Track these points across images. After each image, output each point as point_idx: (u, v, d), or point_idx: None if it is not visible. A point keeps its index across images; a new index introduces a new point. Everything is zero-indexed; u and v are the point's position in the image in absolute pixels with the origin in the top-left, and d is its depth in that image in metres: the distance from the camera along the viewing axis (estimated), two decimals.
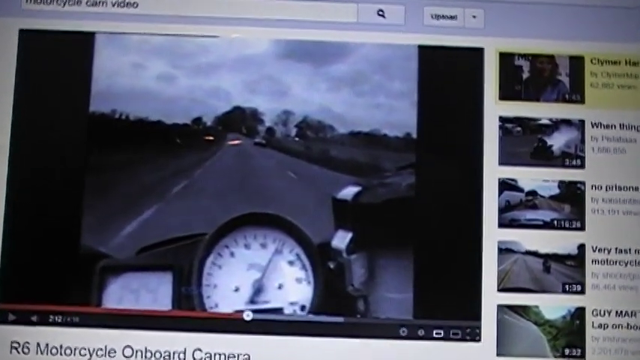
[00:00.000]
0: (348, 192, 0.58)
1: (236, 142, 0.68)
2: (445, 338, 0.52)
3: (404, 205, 0.55)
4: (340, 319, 0.54)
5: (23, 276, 0.54)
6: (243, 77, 0.64)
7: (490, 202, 0.53)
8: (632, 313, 0.52)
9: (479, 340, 0.52)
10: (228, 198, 0.63)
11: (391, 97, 0.60)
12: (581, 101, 0.55)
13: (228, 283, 0.56)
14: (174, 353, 0.53)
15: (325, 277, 0.56)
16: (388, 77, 0.59)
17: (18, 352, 0.52)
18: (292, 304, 0.56)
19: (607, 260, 0.52)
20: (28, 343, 0.52)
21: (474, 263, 0.52)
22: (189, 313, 0.55)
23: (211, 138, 0.66)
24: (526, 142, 0.55)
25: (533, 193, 0.54)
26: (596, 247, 0.52)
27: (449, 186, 0.54)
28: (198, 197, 0.63)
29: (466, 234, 0.53)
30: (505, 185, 0.54)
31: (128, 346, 0.53)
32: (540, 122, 0.55)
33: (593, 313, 0.52)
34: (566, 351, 0.51)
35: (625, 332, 0.51)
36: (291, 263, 0.58)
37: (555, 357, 0.51)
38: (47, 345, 0.52)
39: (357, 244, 0.55)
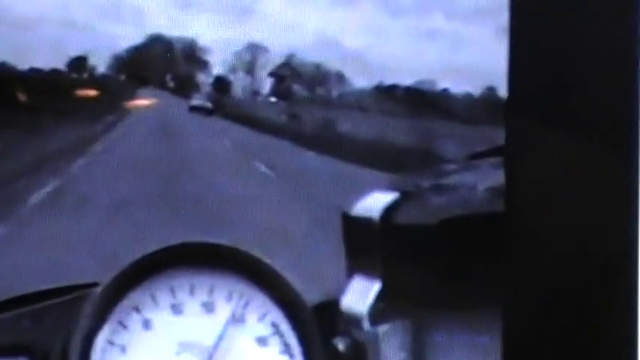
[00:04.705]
0: (374, 203, 0.58)
1: (152, 102, 0.68)
2: None
3: (483, 228, 0.55)
4: None
5: None
6: None
7: None
8: None
9: None
10: (138, 215, 0.63)
11: (457, 19, 0.60)
12: None
13: None
14: None
15: None
16: None
17: None
18: None
19: None
20: None
21: (627, 343, 0.52)
22: None
23: (98, 93, 0.66)
24: None
25: None
26: None
27: (574, 192, 0.53)
28: (82, 213, 0.64)
29: (610, 285, 0.52)
30: None
31: None
32: None
33: None
34: None
35: None
36: (262, 342, 0.60)
37: None
38: None
39: (390, 305, 0.56)
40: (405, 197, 0.57)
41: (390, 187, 0.59)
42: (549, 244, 0.56)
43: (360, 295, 0.57)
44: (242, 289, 0.59)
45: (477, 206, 0.56)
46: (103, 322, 0.57)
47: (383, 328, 0.56)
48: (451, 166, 0.59)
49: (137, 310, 0.58)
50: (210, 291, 0.59)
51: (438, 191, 0.57)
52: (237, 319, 0.59)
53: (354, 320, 0.57)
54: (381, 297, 0.56)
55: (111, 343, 0.57)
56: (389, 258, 0.57)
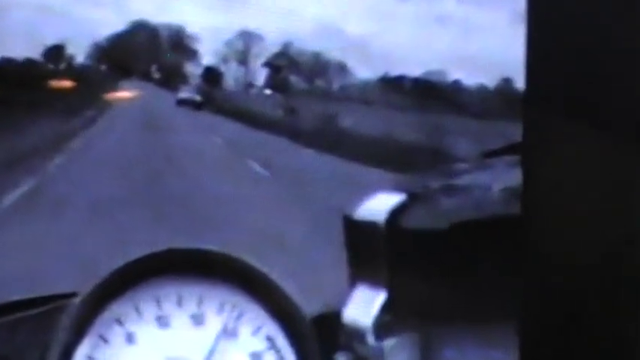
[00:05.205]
0: (379, 205, 0.58)
1: (135, 95, 0.68)
2: None
3: (497, 232, 0.55)
4: None
5: None
6: None
7: None
8: None
9: None
10: (121, 218, 0.63)
11: (469, 3, 0.60)
12: None
13: None
14: None
15: None
16: None
17: None
18: None
19: None
20: None
21: None
22: None
23: (76, 85, 0.66)
24: None
25: None
26: None
27: (597, 193, 0.53)
28: (60, 216, 0.64)
29: (637, 296, 0.52)
30: None
31: None
32: None
33: None
34: None
35: None
36: (256, 357, 0.59)
37: None
38: None
39: (397, 317, 0.56)
40: (413, 199, 0.57)
41: (397, 188, 0.58)
42: (570, 251, 0.56)
43: (363, 307, 0.57)
44: (234, 299, 0.59)
45: (492, 209, 0.55)
46: (83, 336, 0.57)
47: (389, 343, 0.56)
48: (463, 165, 0.59)
49: (119, 322, 0.58)
50: (200, 302, 0.59)
51: (449, 192, 0.57)
52: (229, 333, 0.59)
53: (357, 334, 0.56)
54: (386, 308, 0.56)
55: (91, 358, 0.57)
56: (395, 265, 0.56)
